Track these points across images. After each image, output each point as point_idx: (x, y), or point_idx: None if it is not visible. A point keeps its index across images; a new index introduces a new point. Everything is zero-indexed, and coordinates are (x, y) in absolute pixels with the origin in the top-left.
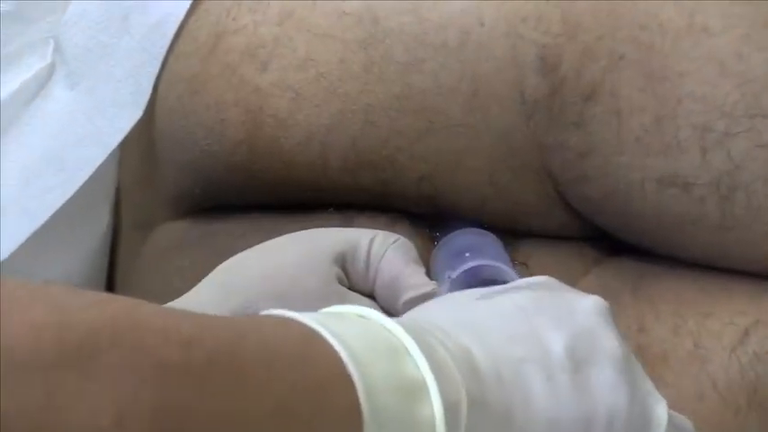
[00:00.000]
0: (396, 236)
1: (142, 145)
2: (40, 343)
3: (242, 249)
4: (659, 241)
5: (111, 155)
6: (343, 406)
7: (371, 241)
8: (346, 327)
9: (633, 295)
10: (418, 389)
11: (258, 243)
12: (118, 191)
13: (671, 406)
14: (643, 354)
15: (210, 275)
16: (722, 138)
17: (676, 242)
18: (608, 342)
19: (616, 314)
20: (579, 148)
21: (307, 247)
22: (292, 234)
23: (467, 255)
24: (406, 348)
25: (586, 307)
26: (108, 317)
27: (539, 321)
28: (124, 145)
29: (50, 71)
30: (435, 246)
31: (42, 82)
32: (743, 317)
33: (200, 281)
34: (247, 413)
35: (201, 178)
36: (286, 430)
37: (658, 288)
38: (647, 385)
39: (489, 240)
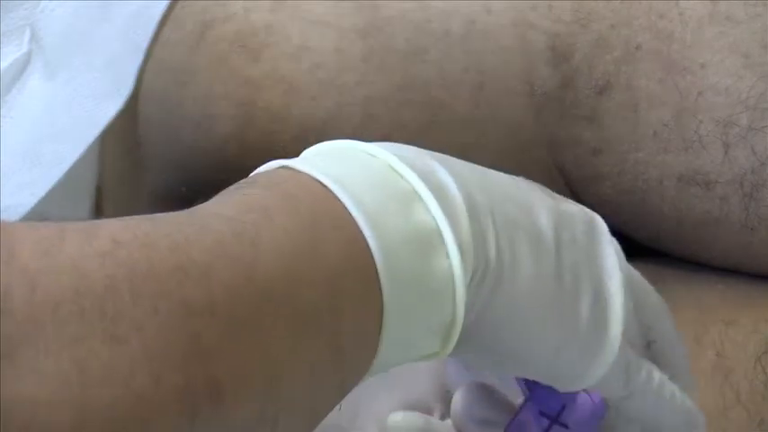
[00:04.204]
0: None
1: (124, 140)
2: (60, 315)
3: None
4: (679, 243)
5: (90, 150)
6: (361, 283)
7: None
8: (352, 172)
9: None
10: (432, 239)
11: None
12: (98, 188)
13: None
14: None
15: None
16: (746, 133)
17: (697, 244)
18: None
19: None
20: (593, 144)
21: None
22: None
23: None
24: (418, 194)
25: (571, 208)
26: (124, 268)
27: (529, 195)
28: (105, 139)
29: (26, 61)
30: None
31: (18, 72)
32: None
33: None
34: (271, 333)
35: (188, 176)
36: (312, 337)
37: (679, 294)
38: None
39: None
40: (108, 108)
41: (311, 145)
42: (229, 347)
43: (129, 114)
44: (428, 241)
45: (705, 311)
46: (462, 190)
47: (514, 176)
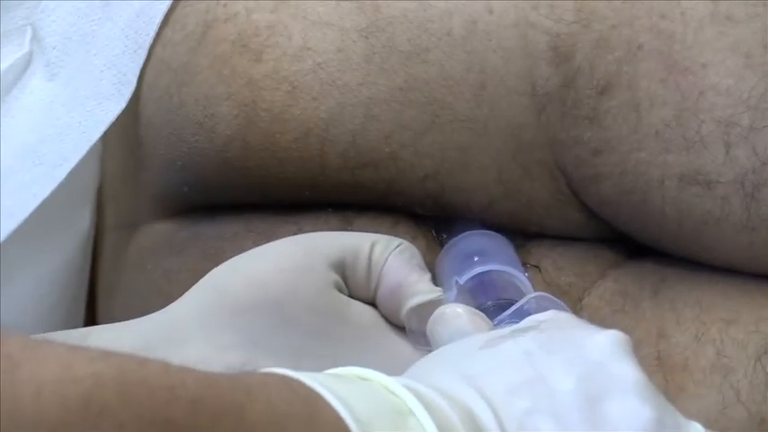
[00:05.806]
0: (398, 240)
1: (126, 140)
2: (41, 400)
3: (233, 251)
4: (680, 243)
5: (92, 150)
6: None
7: (372, 246)
8: (348, 389)
9: (653, 300)
10: None
11: (250, 245)
12: (100, 188)
13: (691, 418)
14: (663, 362)
15: (203, 280)
16: (747, 132)
17: (698, 244)
18: (625, 370)
19: (635, 320)
20: (594, 144)
21: (303, 252)
22: (288, 238)
23: (476, 259)
24: (411, 410)
25: (599, 341)
26: (114, 370)
27: (546, 364)
28: (106, 139)
29: (28, 61)
30: (441, 248)
31: (19, 72)
32: None
33: (188, 283)
34: None
35: (190, 176)
36: None
37: (680, 292)
38: (673, 409)
39: (499, 243)
40: (110, 108)
41: (313, 146)
42: None
43: (131, 115)
44: None
45: (705, 310)
46: (454, 405)
47: (534, 340)
